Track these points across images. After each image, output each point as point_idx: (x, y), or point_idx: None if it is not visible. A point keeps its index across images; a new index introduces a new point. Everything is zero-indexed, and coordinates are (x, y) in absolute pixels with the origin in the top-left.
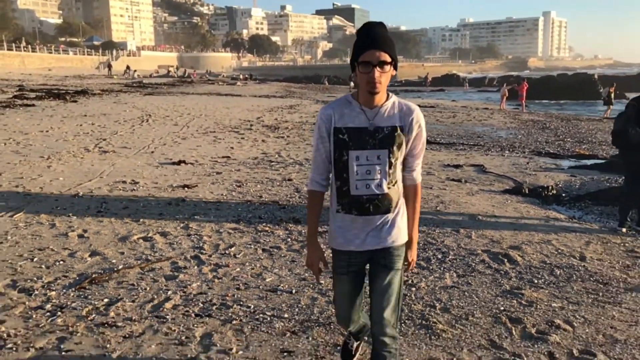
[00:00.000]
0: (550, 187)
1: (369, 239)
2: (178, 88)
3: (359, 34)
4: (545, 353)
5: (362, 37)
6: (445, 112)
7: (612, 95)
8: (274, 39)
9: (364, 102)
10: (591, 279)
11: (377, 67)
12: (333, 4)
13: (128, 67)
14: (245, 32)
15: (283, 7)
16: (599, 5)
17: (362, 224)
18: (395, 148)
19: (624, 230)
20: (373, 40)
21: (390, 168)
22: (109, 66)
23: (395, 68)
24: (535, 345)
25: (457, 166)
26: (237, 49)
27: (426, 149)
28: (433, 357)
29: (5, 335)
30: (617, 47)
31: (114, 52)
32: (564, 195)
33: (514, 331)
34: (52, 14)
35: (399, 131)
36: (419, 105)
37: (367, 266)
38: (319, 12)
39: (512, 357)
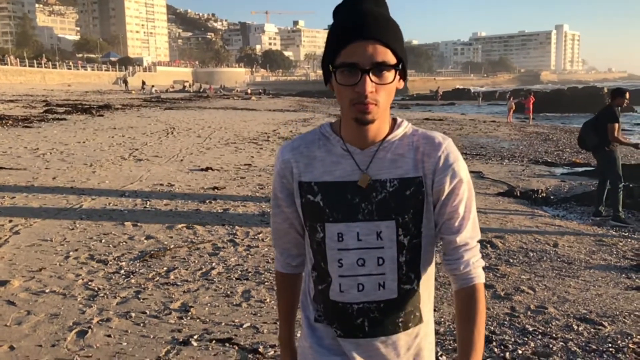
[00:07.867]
0: (540, 191)
1: None
2: (195, 103)
3: (337, 13)
4: (508, 307)
5: (343, 18)
6: (453, 124)
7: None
8: (286, 54)
9: (349, 138)
10: (558, 259)
11: (371, 74)
12: None
13: (144, 83)
14: (258, 47)
15: (295, 23)
16: (613, 18)
17: (353, 351)
18: (409, 217)
19: (597, 219)
20: (362, 23)
21: (402, 254)
22: (125, 82)
23: (404, 77)
24: (501, 302)
25: None
26: (251, 64)
27: None
28: None
29: (96, 288)
30: (632, 60)
31: (130, 67)
32: (552, 197)
33: (486, 293)
34: (70, 31)
35: (415, 186)
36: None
37: None
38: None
39: None
